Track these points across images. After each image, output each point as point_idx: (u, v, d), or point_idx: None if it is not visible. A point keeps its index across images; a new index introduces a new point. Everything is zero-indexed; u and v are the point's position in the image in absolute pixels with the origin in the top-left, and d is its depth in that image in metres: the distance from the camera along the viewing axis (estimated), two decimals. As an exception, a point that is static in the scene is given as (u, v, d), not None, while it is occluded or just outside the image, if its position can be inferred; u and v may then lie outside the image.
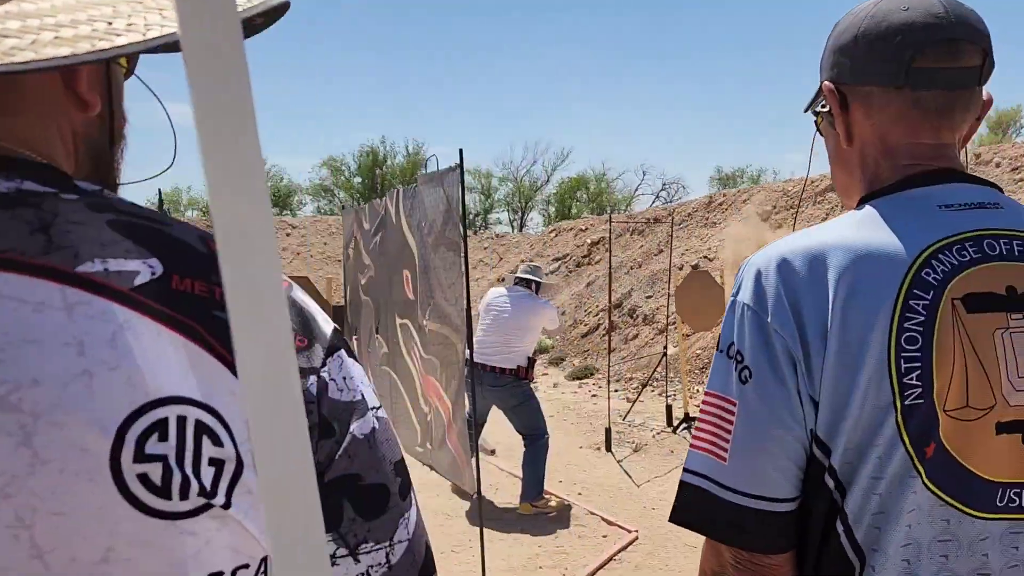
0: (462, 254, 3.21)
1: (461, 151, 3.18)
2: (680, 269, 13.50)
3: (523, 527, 5.22)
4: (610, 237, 7.93)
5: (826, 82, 0.94)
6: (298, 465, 0.27)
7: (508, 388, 4.92)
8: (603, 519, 5.33)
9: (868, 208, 0.89)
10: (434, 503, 5.42)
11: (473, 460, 3.20)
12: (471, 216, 45.59)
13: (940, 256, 0.82)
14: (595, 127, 67.60)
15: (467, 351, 3.23)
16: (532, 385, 5.05)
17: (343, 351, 0.63)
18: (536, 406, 4.94)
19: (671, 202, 39.16)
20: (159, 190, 6.76)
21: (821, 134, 1.02)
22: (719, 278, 8.90)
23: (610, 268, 7.82)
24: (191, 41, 0.27)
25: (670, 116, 67.92)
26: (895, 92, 0.87)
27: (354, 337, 5.16)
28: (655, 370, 9.10)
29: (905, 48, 0.85)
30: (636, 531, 5.06)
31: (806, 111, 1.04)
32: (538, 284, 5.36)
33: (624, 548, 4.79)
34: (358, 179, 44.47)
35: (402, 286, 3.85)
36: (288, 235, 22.26)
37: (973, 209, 0.85)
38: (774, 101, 66.66)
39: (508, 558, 4.69)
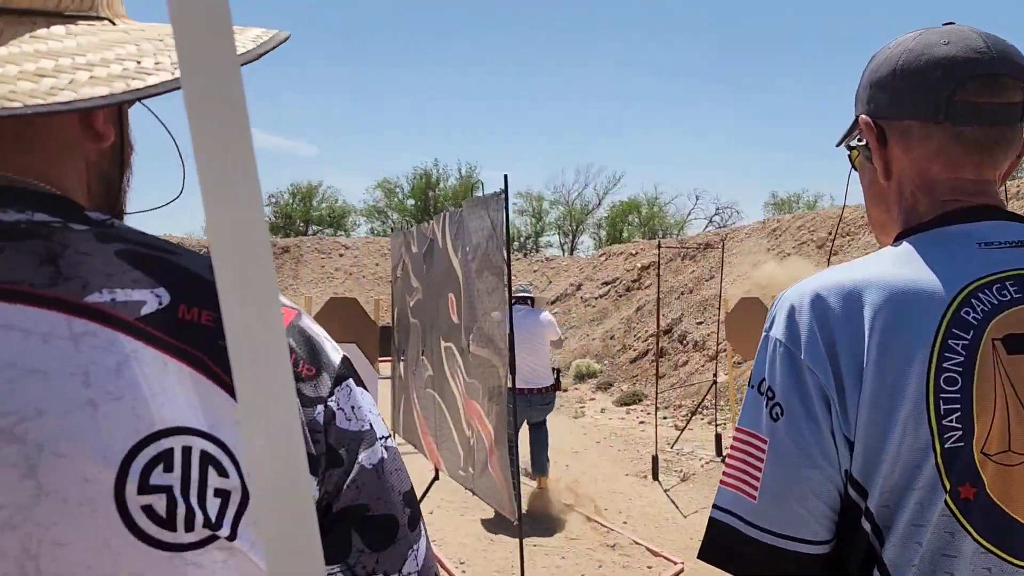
0: (505, 279, 3.22)
1: (506, 177, 3.21)
2: (726, 296, 13.33)
3: (565, 554, 5.17)
4: (659, 262, 7.86)
5: (863, 116, 0.93)
6: (295, 492, 0.28)
7: (551, 403, 5.98)
8: (648, 549, 5.25)
9: (906, 244, 0.86)
10: (476, 528, 5.42)
11: (514, 486, 3.19)
12: (522, 239, 45.71)
13: (980, 295, 0.80)
14: (648, 151, 67.40)
15: (509, 376, 3.23)
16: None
17: (351, 380, 0.63)
18: None
19: (724, 227, 38.74)
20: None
21: (855, 168, 1.01)
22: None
23: (659, 293, 7.75)
24: (191, 85, 0.27)
25: (725, 140, 67.38)
26: (935, 127, 0.86)
27: (401, 359, 5.20)
28: (704, 397, 8.96)
29: (946, 82, 0.84)
30: (682, 563, 4.97)
31: (839, 145, 1.02)
32: (533, 299, 5.91)
33: (669, 580, 4.71)
34: (411, 201, 45.01)
35: (447, 309, 3.87)
36: (341, 255, 22.61)
37: (1014, 247, 0.83)
38: (832, 126, 65.55)
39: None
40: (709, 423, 9.56)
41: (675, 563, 4.93)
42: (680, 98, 68.06)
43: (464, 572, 4.81)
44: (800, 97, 67.37)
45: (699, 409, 9.28)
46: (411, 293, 4.76)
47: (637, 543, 5.28)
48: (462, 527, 5.55)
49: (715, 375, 8.74)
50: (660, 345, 9.44)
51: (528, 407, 5.60)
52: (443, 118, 69.21)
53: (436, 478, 4.35)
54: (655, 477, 7.17)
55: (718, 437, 8.16)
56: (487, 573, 4.83)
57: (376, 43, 69.64)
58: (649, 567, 4.92)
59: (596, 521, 5.82)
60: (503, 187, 3.17)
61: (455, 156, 73.95)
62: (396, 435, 5.53)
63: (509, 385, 3.23)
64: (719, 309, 9.31)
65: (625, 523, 5.76)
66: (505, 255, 3.17)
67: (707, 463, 7.83)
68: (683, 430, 8.67)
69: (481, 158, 69.39)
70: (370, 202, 46.27)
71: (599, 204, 47.42)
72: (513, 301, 5.21)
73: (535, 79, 69.59)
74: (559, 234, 48.59)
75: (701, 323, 12.67)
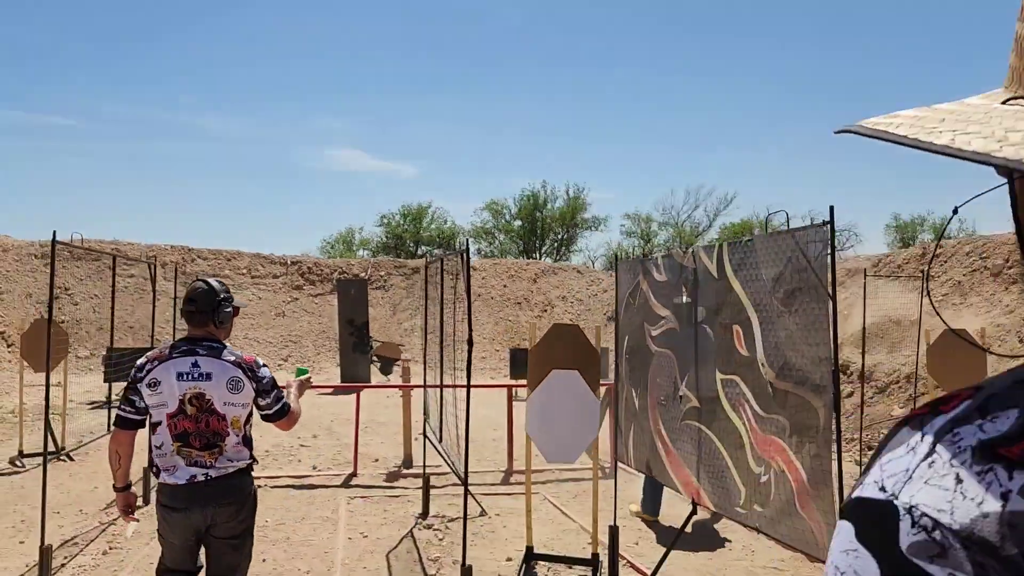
0: (829, 314, 3.11)
1: (832, 208, 3.10)
2: (899, 324, 12.73)
3: None
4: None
5: None
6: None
7: None
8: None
9: None
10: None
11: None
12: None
13: None
14: (760, 172, 65.83)
15: (833, 415, 3.11)
16: None
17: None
18: None
19: (843, 250, 37.34)
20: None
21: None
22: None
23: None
24: None
25: (840, 160, 65.20)
26: None
27: (630, 384, 5.14)
28: (840, 455, 8.53)
29: None
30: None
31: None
32: None
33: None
34: (518, 222, 45.28)
35: (731, 341, 3.78)
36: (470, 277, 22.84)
37: None
38: (954, 145, 62.51)
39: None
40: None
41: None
42: (795, 117, 66.34)
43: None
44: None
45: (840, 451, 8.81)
46: (655, 322, 4.70)
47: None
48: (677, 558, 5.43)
49: (909, 407, 8.32)
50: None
51: None
52: (551, 142, 69.58)
53: (694, 511, 4.25)
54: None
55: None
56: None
57: (483, 74, 70.76)
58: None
59: (821, 562, 5.59)
60: (827, 219, 3.08)
61: (563, 178, 74.07)
62: (620, 461, 5.47)
63: (831, 422, 3.11)
64: (918, 340, 8.87)
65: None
66: (830, 291, 3.07)
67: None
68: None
69: (589, 180, 69.30)
70: (477, 224, 46.79)
71: (710, 226, 46.58)
72: None
73: (644, 99, 69.22)
74: (615, 274, 48.04)
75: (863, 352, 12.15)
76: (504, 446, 9.23)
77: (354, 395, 15.23)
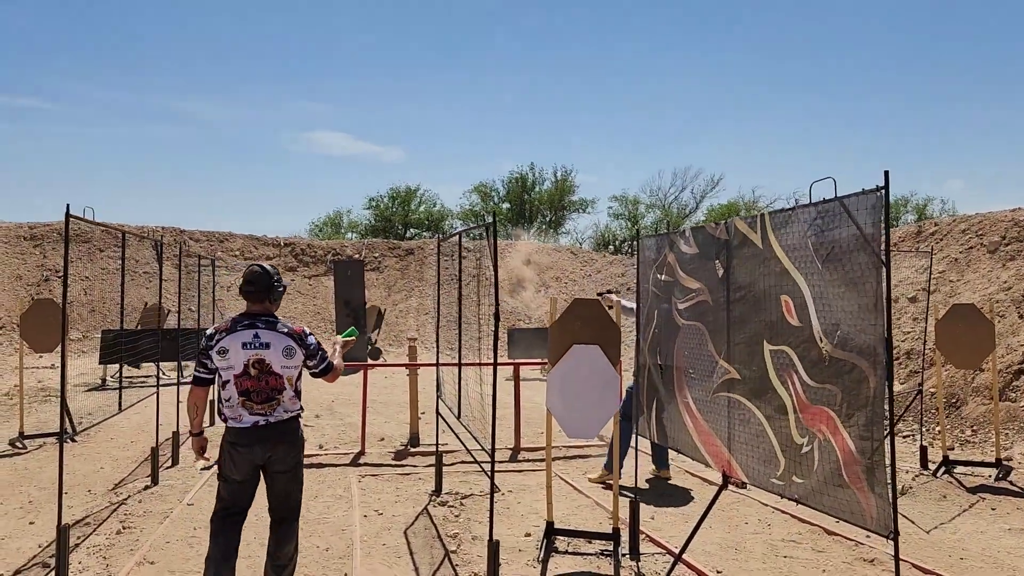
0: (883, 281, 3.07)
1: (887, 173, 3.06)
2: (896, 301, 12.78)
3: (825, 568, 4.97)
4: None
5: None
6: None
7: None
8: (915, 566, 5.00)
9: None
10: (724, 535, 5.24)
11: (890, 501, 3.05)
12: (617, 242, 45.34)
13: None
14: (747, 154, 65.87)
15: (886, 384, 3.08)
16: None
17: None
18: None
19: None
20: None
21: None
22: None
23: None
24: None
25: (825, 142, 65.30)
26: None
27: (653, 358, 5.10)
28: (907, 408, 8.57)
29: None
30: (966, 583, 4.71)
31: None
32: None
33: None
34: (506, 204, 45.11)
35: (780, 312, 3.73)
36: (464, 257, 22.74)
37: None
38: (933, 125, 62.96)
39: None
40: (903, 435, 9.18)
41: (957, 583, 4.69)
42: (778, 99, 66.37)
43: (729, 582, 4.68)
44: (898, 98, 64.88)
45: (900, 419, 8.87)
46: (684, 294, 4.65)
47: (902, 559, 5.03)
48: (706, 535, 5.43)
49: (920, 385, 8.34)
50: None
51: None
52: (538, 124, 69.26)
53: (725, 484, 4.23)
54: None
55: (923, 449, 7.79)
56: (749, 584, 4.70)
57: (468, 53, 70.31)
58: (926, 585, 4.69)
59: (839, 535, 5.60)
60: (882, 184, 3.03)
61: (551, 161, 73.65)
62: (641, 435, 5.44)
63: (885, 392, 3.08)
64: (927, 316, 8.90)
65: (867, 537, 5.53)
66: (884, 257, 3.03)
67: (916, 476, 7.49)
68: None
69: (577, 162, 68.99)
70: (466, 206, 46.59)
71: (696, 208, 46.67)
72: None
73: (631, 82, 68.99)
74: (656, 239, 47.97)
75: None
76: (510, 424, 9.20)
77: (352, 376, 15.16)
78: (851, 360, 3.26)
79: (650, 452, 7.46)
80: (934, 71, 64.97)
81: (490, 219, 5.28)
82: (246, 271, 4.16)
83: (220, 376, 4.02)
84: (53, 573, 4.73)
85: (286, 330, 4.08)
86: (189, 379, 4.25)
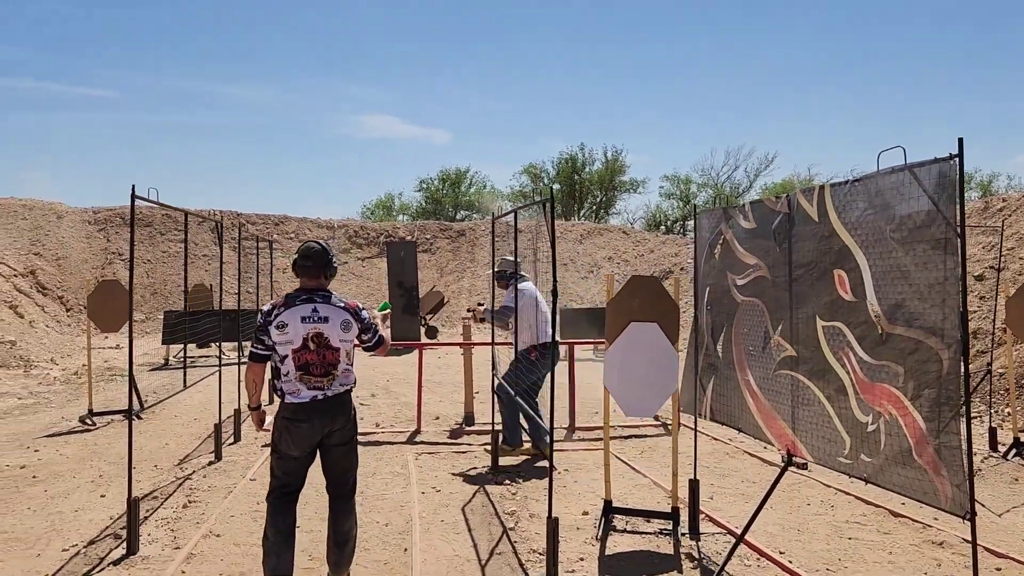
0: (957, 253, 2.96)
1: (961, 140, 2.93)
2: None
3: (891, 550, 4.86)
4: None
5: None
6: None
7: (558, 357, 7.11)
8: (987, 549, 4.85)
9: None
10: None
11: (966, 480, 2.95)
12: (669, 222, 44.82)
13: None
14: (801, 131, 64.34)
15: (960, 360, 2.97)
16: None
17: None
18: None
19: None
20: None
21: None
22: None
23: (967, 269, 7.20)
24: None
25: (881, 119, 63.37)
26: None
27: (710, 337, 5.02)
28: (975, 388, 8.31)
29: None
30: (1041, 567, 4.56)
31: None
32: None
33: (1036, 585, 4.32)
34: (556, 185, 44.89)
35: (833, 286, 3.64)
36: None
37: None
38: (999, 98, 60.53)
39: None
40: (970, 417, 8.90)
41: (1031, 567, 4.54)
42: (834, 76, 64.57)
43: (790, 562, 4.61)
44: (958, 74, 62.48)
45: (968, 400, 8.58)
46: (741, 271, 4.56)
47: (969, 542, 4.89)
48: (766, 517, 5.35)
49: (989, 365, 8.07)
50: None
51: (543, 363, 6.94)
52: (589, 106, 68.67)
53: (790, 463, 4.15)
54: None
55: (992, 431, 7.55)
56: (811, 563, 4.62)
57: (510, 28, 69.89)
58: (998, 569, 4.55)
59: (905, 516, 5.47)
60: (955, 152, 2.91)
61: (601, 142, 73.03)
62: (701, 417, 5.37)
63: (959, 368, 2.98)
64: (996, 294, 8.60)
65: (936, 519, 5.39)
66: (958, 228, 2.91)
67: (985, 459, 7.26)
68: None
69: (628, 142, 68.28)
70: (516, 188, 46.52)
71: (750, 187, 45.81)
72: (514, 277, 7.08)
73: (682, 60, 67.84)
74: (694, 224, 47.33)
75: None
76: (564, 404, 9.19)
77: (406, 356, 15.31)
78: (917, 337, 3.15)
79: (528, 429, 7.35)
80: (998, 47, 62.44)
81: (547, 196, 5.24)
82: (302, 247, 4.21)
83: (277, 352, 4.04)
84: (124, 544, 4.89)
85: (342, 304, 4.15)
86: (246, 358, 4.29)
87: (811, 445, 3.89)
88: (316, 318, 4.04)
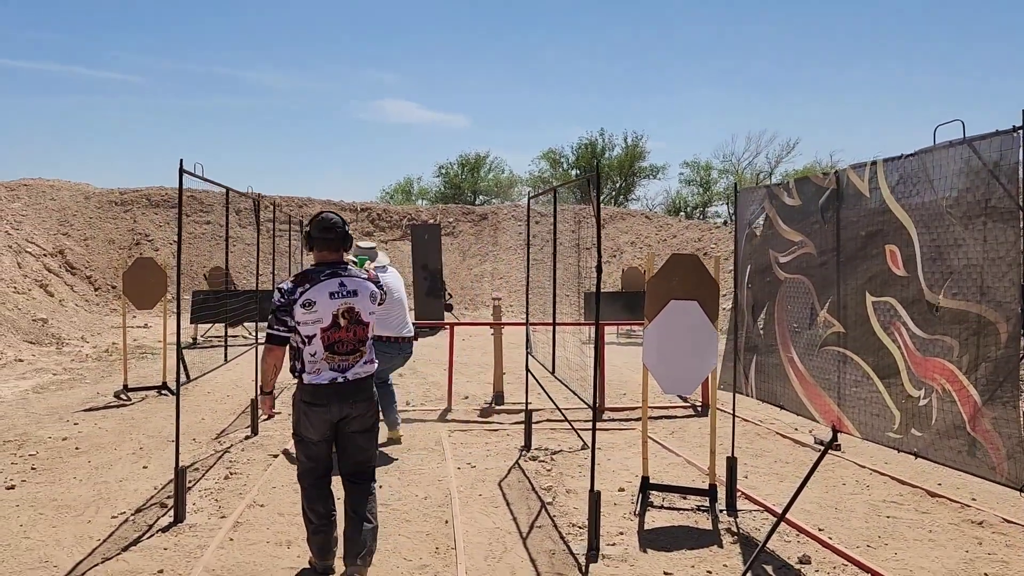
0: (1019, 225, 2.95)
1: (1024, 113, 2.92)
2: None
3: (932, 528, 4.87)
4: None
5: None
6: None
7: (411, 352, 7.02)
8: (1031, 529, 4.84)
9: None
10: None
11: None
12: (688, 208, 44.61)
13: None
14: (824, 117, 63.72)
15: (1020, 337, 2.97)
16: None
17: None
18: None
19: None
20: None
21: None
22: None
23: None
24: None
25: (909, 103, 62.62)
26: None
27: (751, 315, 5.03)
28: (1015, 372, 8.24)
29: None
30: (1084, 547, 4.55)
31: None
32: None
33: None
34: (575, 171, 44.80)
35: (882, 261, 3.64)
36: (537, 223, 22.77)
37: None
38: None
39: (939, 559, 4.38)
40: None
41: (1074, 546, 4.53)
42: (856, 60, 63.84)
43: (830, 538, 4.63)
44: (991, 54, 61.58)
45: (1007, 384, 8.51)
46: (785, 248, 4.56)
47: (1014, 522, 4.90)
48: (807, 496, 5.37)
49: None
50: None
51: (400, 355, 6.86)
52: (609, 92, 68.31)
53: (835, 438, 4.16)
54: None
55: (1027, 415, 7.50)
56: (851, 539, 4.64)
57: (529, 13, 69.52)
58: (1040, 549, 4.55)
59: (943, 496, 5.47)
60: (1019, 124, 2.89)
61: (621, 127, 72.71)
62: (739, 392, 5.39)
63: (1010, 343, 2.98)
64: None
65: (974, 499, 5.39)
66: (1020, 201, 2.91)
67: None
68: (996, 408, 8.03)
69: (647, 128, 67.96)
70: (535, 173, 46.45)
71: (771, 173, 45.49)
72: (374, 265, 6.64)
73: (702, 45, 67.29)
74: (728, 204, 47.04)
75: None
76: (588, 385, 9.20)
77: (431, 338, 15.39)
78: (974, 311, 3.15)
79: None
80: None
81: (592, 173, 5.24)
82: (320, 219, 3.97)
83: (300, 332, 3.77)
84: (171, 512, 4.99)
85: (364, 275, 3.99)
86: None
87: (858, 420, 3.90)
88: (345, 292, 3.83)
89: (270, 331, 3.80)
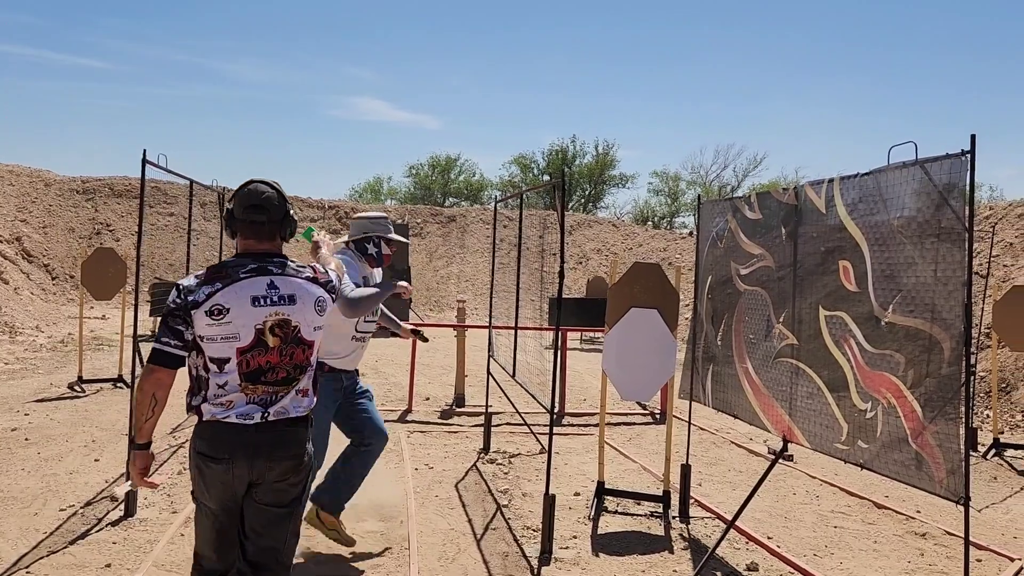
0: (964, 246, 3.05)
1: (973, 137, 3.03)
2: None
3: (877, 539, 4.99)
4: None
5: None
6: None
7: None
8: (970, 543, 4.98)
9: None
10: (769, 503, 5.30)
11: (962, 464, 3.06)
12: (656, 218, 45.02)
13: None
14: (790, 133, 64.77)
15: (961, 354, 3.07)
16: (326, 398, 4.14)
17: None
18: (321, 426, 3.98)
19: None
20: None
21: None
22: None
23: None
24: None
25: (870, 121, 63.89)
26: None
27: (710, 325, 5.12)
28: (958, 390, 8.46)
29: None
30: (1020, 559, 4.71)
31: None
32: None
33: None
34: (545, 176, 44.98)
35: (836, 277, 3.74)
36: (506, 227, 22.82)
37: None
38: (985, 110, 61.19)
39: (883, 569, 4.49)
40: (951, 418, 9.07)
41: (1011, 559, 4.68)
42: (824, 76, 65.01)
43: (778, 546, 4.72)
44: (953, 75, 63.12)
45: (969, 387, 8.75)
46: (744, 260, 4.65)
47: (954, 534, 5.03)
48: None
49: (974, 366, 8.23)
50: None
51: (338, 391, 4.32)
52: (581, 99, 68.73)
53: (785, 448, 4.25)
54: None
55: (973, 431, 7.71)
56: (798, 548, 4.73)
57: (503, 17, 69.73)
58: (979, 560, 4.68)
59: (889, 508, 5.60)
60: (967, 148, 3.00)
61: (592, 135, 73.15)
62: (697, 402, 5.46)
63: (963, 359, 3.08)
64: (984, 296, 8.76)
65: (918, 512, 5.52)
66: (966, 223, 3.01)
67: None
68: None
69: (619, 137, 68.40)
70: (505, 177, 46.54)
71: (738, 186, 46.17)
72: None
73: (674, 57, 67.99)
74: (695, 215, 47.47)
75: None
76: (548, 390, 9.26)
77: (393, 338, 15.34)
78: (920, 328, 3.25)
79: None
80: (984, 59, 63.11)
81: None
82: (247, 192, 2.70)
83: (206, 352, 2.53)
84: (122, 506, 4.92)
85: (308, 274, 2.74)
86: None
87: (808, 431, 3.99)
88: (276, 298, 2.60)
89: (156, 345, 2.50)
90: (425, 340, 4.91)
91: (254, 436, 2.54)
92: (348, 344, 4.27)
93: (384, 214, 4.60)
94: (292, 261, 2.72)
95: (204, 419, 2.54)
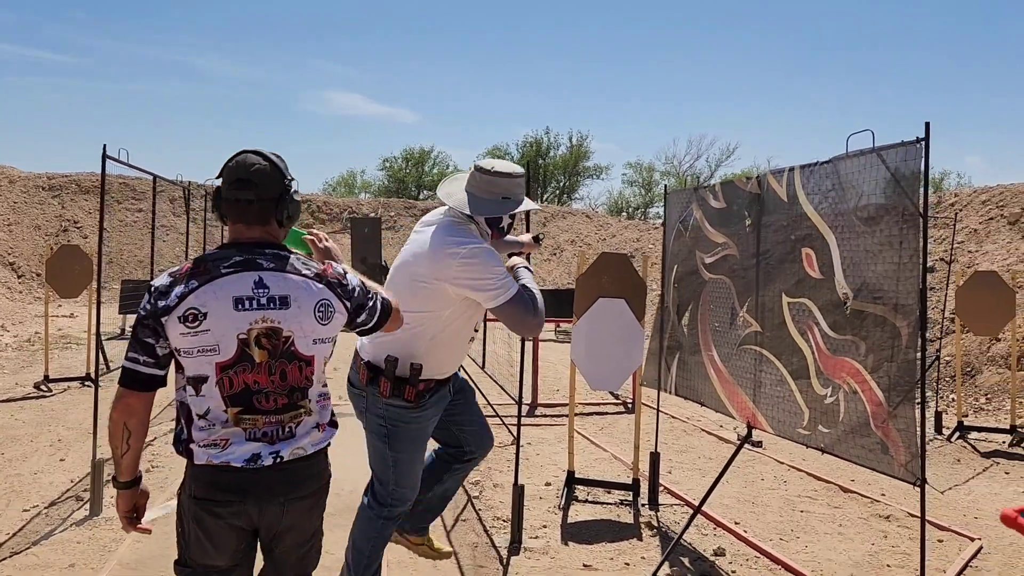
0: (919, 232, 3.10)
1: (928, 124, 3.07)
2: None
3: (841, 522, 5.06)
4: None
5: None
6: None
7: (361, 403, 3.30)
8: (930, 523, 5.08)
9: None
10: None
11: (918, 446, 3.11)
12: (630, 209, 45.20)
13: None
14: (762, 122, 65.26)
15: (918, 339, 3.12)
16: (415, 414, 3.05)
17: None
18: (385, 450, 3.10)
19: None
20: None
21: None
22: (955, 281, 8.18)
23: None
24: None
25: (839, 111, 64.53)
26: None
27: (676, 314, 5.15)
28: (924, 373, 8.60)
29: None
30: (980, 539, 4.80)
31: None
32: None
33: (975, 556, 4.55)
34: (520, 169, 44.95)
35: (800, 264, 3.78)
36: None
37: None
38: (952, 101, 62.06)
39: (847, 551, 4.56)
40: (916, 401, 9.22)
41: (971, 539, 4.77)
42: (795, 67, 65.53)
43: (745, 531, 4.77)
44: (919, 69, 63.91)
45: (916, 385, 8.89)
46: (710, 249, 4.68)
47: (913, 515, 5.12)
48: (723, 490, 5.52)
49: (938, 351, 8.37)
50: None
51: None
52: (554, 90, 68.73)
53: (750, 434, 4.29)
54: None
55: (938, 415, 7.85)
56: (765, 533, 4.79)
57: (477, 10, 69.52)
58: (940, 541, 4.77)
59: (854, 492, 5.69)
60: (922, 136, 3.04)
61: (566, 126, 73.27)
62: (663, 391, 5.50)
63: (916, 345, 3.13)
64: (947, 282, 8.89)
65: (883, 495, 5.61)
66: (921, 208, 3.05)
67: (930, 440, 7.55)
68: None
69: (593, 128, 68.56)
70: (479, 169, 46.45)
71: (711, 176, 46.45)
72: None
73: (647, 48, 68.17)
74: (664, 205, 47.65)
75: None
76: (527, 380, 9.27)
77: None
78: (879, 313, 3.30)
79: None
80: (955, 50, 63.97)
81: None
82: (233, 163, 2.16)
83: (184, 368, 2.08)
84: (87, 505, 4.86)
85: (311, 271, 2.19)
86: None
87: (771, 417, 4.04)
88: (265, 299, 2.08)
89: (124, 363, 2.06)
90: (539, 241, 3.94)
91: (269, 477, 2.10)
92: (464, 348, 3.20)
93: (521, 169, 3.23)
94: (294, 253, 2.20)
95: (196, 463, 2.08)
